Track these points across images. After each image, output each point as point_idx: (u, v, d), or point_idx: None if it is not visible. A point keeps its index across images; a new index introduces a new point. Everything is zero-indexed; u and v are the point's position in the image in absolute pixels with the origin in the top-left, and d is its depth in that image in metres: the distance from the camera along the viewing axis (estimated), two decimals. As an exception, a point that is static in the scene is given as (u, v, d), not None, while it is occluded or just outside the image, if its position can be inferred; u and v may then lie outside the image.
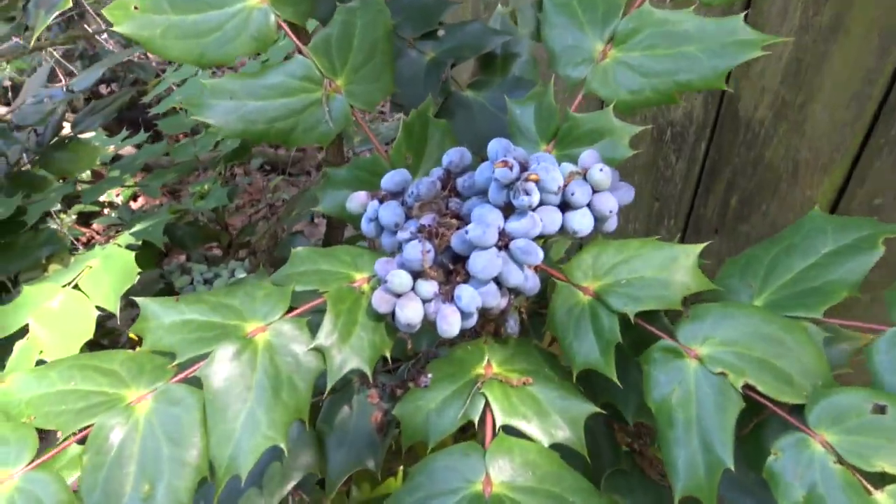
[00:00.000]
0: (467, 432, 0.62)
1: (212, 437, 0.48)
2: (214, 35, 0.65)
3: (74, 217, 2.18)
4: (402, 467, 0.74)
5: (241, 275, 1.10)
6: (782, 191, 1.11)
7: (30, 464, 0.47)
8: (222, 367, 0.50)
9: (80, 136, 1.28)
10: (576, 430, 0.51)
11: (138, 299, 0.55)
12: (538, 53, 0.89)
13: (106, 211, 2.47)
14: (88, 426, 0.48)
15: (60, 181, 1.23)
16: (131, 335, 0.83)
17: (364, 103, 0.66)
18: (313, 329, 0.53)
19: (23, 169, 1.26)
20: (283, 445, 0.48)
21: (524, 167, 0.50)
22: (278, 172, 2.58)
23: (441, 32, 0.87)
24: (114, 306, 0.94)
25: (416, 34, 0.87)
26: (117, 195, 2.19)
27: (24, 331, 0.92)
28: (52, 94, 1.25)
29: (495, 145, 0.54)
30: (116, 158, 1.48)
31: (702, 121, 1.19)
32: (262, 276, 0.74)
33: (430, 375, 0.55)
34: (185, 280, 1.11)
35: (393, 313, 0.53)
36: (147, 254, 1.03)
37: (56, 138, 1.26)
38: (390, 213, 0.57)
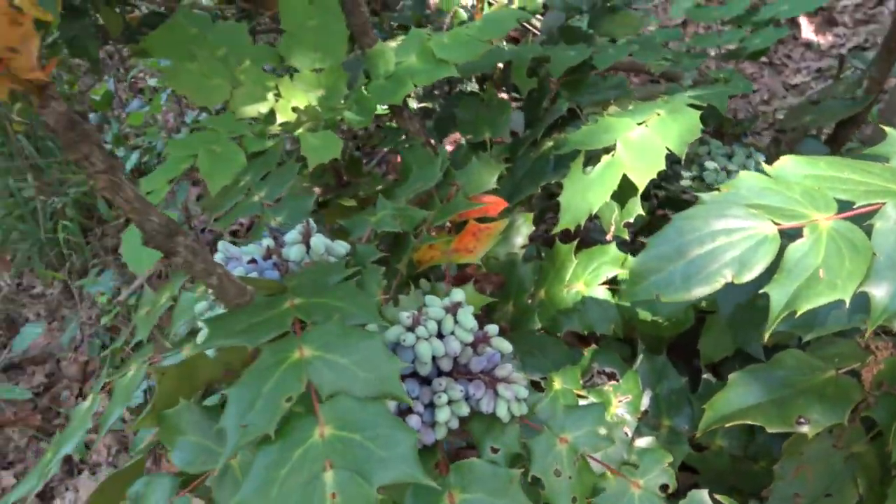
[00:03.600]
0: None
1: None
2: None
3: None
4: None
5: (760, 157, 1.24)
6: None
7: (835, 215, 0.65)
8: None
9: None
10: None
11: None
12: None
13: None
14: (874, 204, 0.65)
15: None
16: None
17: None
18: None
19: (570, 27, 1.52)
20: None
21: None
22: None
23: None
24: (680, 150, 1.13)
25: None
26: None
27: (604, 150, 1.17)
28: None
29: None
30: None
31: None
32: None
33: None
34: (704, 149, 1.29)
35: None
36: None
37: (607, 3, 1.49)
38: None
